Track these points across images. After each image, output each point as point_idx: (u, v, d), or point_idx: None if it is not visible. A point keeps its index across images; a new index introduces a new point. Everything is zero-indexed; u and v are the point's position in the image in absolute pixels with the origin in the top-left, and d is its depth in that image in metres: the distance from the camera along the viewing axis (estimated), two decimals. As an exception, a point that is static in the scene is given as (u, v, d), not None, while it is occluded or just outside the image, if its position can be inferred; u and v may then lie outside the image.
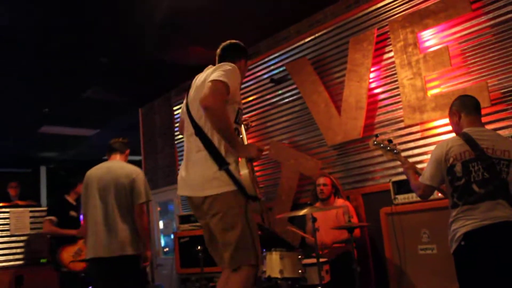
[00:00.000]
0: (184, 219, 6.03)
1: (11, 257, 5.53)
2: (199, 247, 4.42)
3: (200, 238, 5.42)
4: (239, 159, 2.62)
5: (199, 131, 2.67)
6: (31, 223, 5.78)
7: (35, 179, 12.44)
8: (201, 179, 2.62)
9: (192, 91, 2.84)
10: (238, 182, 2.56)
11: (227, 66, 2.67)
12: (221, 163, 2.57)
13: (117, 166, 3.87)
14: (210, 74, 2.65)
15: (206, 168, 2.61)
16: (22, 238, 5.65)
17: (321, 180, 4.61)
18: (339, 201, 4.57)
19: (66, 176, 12.25)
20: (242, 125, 2.97)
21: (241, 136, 2.83)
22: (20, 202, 6.41)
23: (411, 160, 4.19)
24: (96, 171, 3.86)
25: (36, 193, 11.87)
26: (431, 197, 3.60)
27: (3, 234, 5.58)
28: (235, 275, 2.56)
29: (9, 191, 7.23)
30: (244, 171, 2.55)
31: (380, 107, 4.63)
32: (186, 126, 2.82)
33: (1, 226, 5.63)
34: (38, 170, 12.56)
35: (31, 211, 5.87)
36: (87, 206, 3.79)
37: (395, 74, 4.48)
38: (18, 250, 5.61)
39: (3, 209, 5.72)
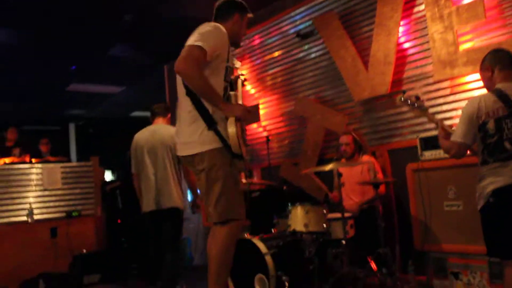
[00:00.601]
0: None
1: (45, 210, 5.74)
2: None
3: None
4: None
5: (188, 91, 2.75)
6: (62, 178, 5.95)
7: (65, 136, 12.75)
8: (190, 138, 2.76)
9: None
10: (224, 141, 2.68)
11: (206, 27, 2.74)
12: (210, 122, 2.69)
13: (162, 128, 4.31)
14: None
15: (195, 128, 2.73)
16: (54, 192, 5.84)
17: (344, 139, 4.58)
18: (365, 158, 4.56)
19: (94, 133, 12.53)
20: (239, 80, 3.07)
21: (234, 92, 2.91)
22: (51, 158, 6.59)
23: (440, 116, 4.15)
24: (143, 134, 4.33)
25: (66, 150, 12.18)
26: (459, 153, 3.59)
27: (37, 189, 5.77)
28: (220, 230, 2.75)
29: (41, 148, 7.44)
30: (231, 129, 2.65)
31: (409, 62, 4.52)
32: (178, 86, 2.88)
33: (35, 181, 5.81)
34: (67, 127, 12.85)
35: (62, 167, 6.02)
36: (139, 166, 4.28)
37: (426, 28, 4.34)
38: (51, 204, 5.81)
39: (36, 165, 5.89)
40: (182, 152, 2.84)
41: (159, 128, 4.34)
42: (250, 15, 3.05)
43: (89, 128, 12.62)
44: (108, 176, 7.88)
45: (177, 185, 4.23)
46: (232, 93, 2.89)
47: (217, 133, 2.68)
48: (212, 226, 2.83)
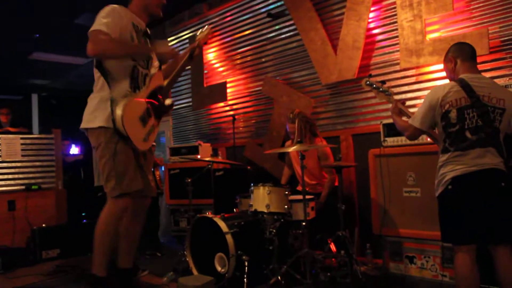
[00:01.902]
0: (174, 151, 6.07)
1: (2, 182, 5.58)
2: (188, 179, 4.48)
3: (189, 170, 5.53)
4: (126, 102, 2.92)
5: (97, 64, 3.06)
6: (22, 150, 5.78)
7: (27, 107, 12.36)
8: (85, 112, 3.06)
9: None
10: (113, 120, 2.88)
11: (102, 12, 3.02)
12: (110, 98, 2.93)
13: None
14: None
15: (90, 104, 3.04)
16: (13, 164, 5.68)
17: (291, 128, 4.43)
18: (316, 140, 4.50)
19: (57, 105, 12.19)
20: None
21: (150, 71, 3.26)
22: (11, 129, 6.39)
23: (403, 103, 4.21)
24: None
25: (28, 121, 11.82)
26: (420, 141, 3.68)
27: (-6, 160, 5.60)
28: (105, 207, 3.04)
29: (0, 118, 7.19)
30: (118, 112, 2.84)
31: (377, 48, 4.56)
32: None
33: (-8, 152, 5.63)
34: (29, 97, 12.45)
35: (22, 138, 5.84)
36: None
37: (395, 15, 4.37)
38: (10, 176, 5.65)
39: (-6, 135, 5.70)
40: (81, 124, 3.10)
41: None
42: None
43: (52, 99, 12.25)
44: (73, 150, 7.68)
45: None
46: (146, 71, 3.17)
47: (111, 111, 2.88)
48: None
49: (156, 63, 3.30)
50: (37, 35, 7.50)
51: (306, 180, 4.48)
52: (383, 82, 3.17)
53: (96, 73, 3.10)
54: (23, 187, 5.67)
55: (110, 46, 2.88)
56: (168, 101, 3.32)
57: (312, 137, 4.45)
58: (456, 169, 2.62)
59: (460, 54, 2.80)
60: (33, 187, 5.71)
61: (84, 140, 3.59)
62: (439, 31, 4.14)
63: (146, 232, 5.22)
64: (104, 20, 2.92)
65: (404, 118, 2.96)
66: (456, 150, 2.63)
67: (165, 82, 3.47)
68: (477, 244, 2.64)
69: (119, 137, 2.93)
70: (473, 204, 2.59)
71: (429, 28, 4.17)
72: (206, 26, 3.72)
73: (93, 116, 2.98)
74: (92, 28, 2.91)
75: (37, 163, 5.86)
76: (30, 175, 5.78)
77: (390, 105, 3.15)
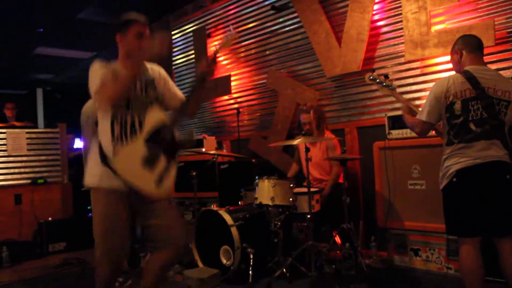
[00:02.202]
0: (179, 145, 6.07)
1: (9, 176, 5.61)
2: (193, 173, 4.49)
3: (194, 163, 5.53)
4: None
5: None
6: (28, 144, 5.81)
7: (32, 102, 12.39)
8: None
9: None
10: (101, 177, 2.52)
11: (89, 76, 2.67)
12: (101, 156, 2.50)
13: None
14: None
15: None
16: (19, 158, 5.71)
17: (305, 119, 4.42)
18: (326, 134, 4.53)
19: (62, 99, 12.22)
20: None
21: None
22: (17, 123, 6.41)
23: (409, 96, 4.21)
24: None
25: (33, 115, 11.86)
26: (425, 134, 3.66)
27: (0, 155, 5.63)
28: None
29: (6, 112, 7.21)
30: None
31: (382, 41, 4.53)
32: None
33: (-1, 147, 5.67)
34: (34, 92, 12.48)
35: (27, 132, 5.87)
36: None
37: (400, 7, 4.34)
38: (16, 170, 5.69)
39: (0, 130, 5.73)
40: None
41: None
42: (137, 27, 2.75)
43: (58, 94, 12.28)
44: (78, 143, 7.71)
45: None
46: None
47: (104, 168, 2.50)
48: None
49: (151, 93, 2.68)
50: (41, 30, 7.50)
51: (316, 175, 4.48)
52: (386, 76, 3.15)
53: None
54: (29, 181, 5.71)
55: (108, 90, 2.44)
56: (186, 136, 2.84)
57: (322, 130, 4.46)
58: (461, 162, 2.61)
59: (466, 46, 2.79)
60: (39, 181, 5.75)
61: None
62: (444, 23, 4.11)
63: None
64: (92, 84, 2.60)
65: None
66: (460, 142, 2.62)
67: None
68: (482, 236, 2.64)
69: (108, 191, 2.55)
70: (477, 197, 2.59)
71: (434, 20, 4.14)
72: (232, 32, 3.10)
73: (88, 173, 2.66)
74: (91, 92, 2.61)
75: (43, 157, 5.90)
76: (36, 169, 5.81)
77: (394, 98, 3.15)
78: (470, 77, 2.64)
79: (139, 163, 2.45)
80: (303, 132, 4.05)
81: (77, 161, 6.53)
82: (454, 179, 2.64)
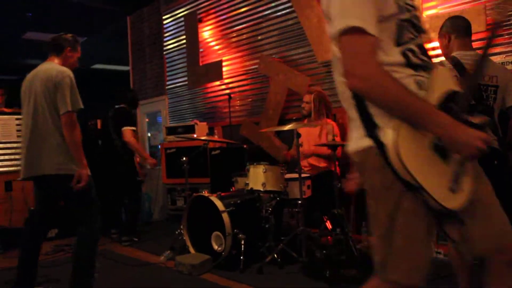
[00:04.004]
0: (171, 130, 6.06)
1: (-1, 163, 5.58)
2: (184, 158, 4.48)
3: (186, 149, 5.53)
4: None
5: None
6: (17, 130, 5.75)
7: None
8: None
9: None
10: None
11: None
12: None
13: (44, 68, 3.29)
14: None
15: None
16: (9, 145, 5.66)
17: (305, 98, 4.54)
18: (326, 121, 4.56)
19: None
20: None
21: None
22: (6, 109, 6.34)
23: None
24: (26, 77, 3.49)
25: (23, 101, 11.73)
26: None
27: (-11, 141, 5.59)
28: None
29: (-5, 99, 7.13)
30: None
31: (374, 25, 4.50)
32: None
33: (-13, 133, 5.61)
34: (24, 77, 12.32)
35: (17, 119, 5.81)
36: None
37: (392, -10, 4.30)
38: (6, 157, 5.64)
39: (-12, 116, 5.68)
40: None
41: (42, 68, 3.36)
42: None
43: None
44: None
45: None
46: None
47: None
48: None
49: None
50: (30, 14, 7.39)
51: (314, 163, 4.48)
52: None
53: None
54: (19, 167, 5.66)
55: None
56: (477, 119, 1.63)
57: (321, 115, 4.47)
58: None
59: (454, 30, 2.77)
60: (30, 167, 5.70)
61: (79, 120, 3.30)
62: (436, 8, 4.09)
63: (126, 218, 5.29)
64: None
65: None
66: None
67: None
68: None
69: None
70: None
71: (426, 5, 4.11)
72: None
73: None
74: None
75: (33, 144, 5.84)
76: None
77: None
78: (456, 64, 2.63)
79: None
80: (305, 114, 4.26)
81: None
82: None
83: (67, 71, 3.12)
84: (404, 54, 1.49)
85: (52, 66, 3.22)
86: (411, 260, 1.52)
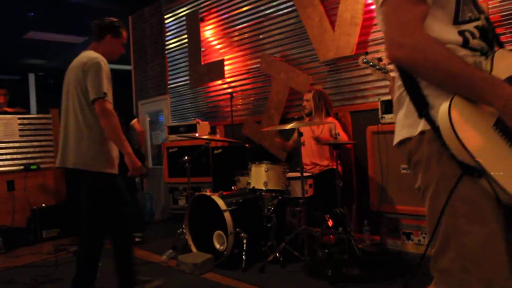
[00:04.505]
0: (173, 130, 6.06)
1: (1, 163, 5.58)
2: (186, 157, 4.47)
3: (188, 148, 5.52)
4: None
5: None
6: (20, 130, 5.77)
7: (24, 87, 12.28)
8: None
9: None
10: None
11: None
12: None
13: (80, 57, 3.06)
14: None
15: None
16: (11, 144, 5.68)
17: (305, 96, 4.57)
18: (328, 119, 4.55)
19: (55, 84, 12.11)
20: None
21: None
22: (8, 109, 6.35)
23: (402, 79, 4.18)
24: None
25: (25, 101, 11.76)
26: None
27: (-8, 140, 5.60)
28: None
29: (-3, 98, 7.14)
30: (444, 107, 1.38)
31: (376, 24, 4.49)
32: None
33: (-10, 133, 5.62)
34: (26, 77, 12.37)
35: (19, 118, 5.83)
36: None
37: (394, -11, 4.29)
38: (8, 157, 5.65)
39: (-9, 116, 5.69)
40: None
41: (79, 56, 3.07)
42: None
43: (49, 78, 12.17)
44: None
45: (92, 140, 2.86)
46: None
47: None
48: None
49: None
50: (32, 14, 7.40)
51: (312, 158, 4.48)
52: (380, 59, 3.14)
53: None
54: (21, 167, 5.68)
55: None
56: None
57: (325, 115, 4.45)
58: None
59: None
60: (32, 167, 5.72)
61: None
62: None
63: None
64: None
65: None
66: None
67: None
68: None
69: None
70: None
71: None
72: None
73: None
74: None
75: (35, 143, 5.87)
76: (29, 155, 5.79)
77: (388, 82, 3.13)
78: None
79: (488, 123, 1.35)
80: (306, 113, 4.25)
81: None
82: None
83: (98, 57, 2.89)
84: (462, 34, 1.33)
85: (86, 54, 3.00)
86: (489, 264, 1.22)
